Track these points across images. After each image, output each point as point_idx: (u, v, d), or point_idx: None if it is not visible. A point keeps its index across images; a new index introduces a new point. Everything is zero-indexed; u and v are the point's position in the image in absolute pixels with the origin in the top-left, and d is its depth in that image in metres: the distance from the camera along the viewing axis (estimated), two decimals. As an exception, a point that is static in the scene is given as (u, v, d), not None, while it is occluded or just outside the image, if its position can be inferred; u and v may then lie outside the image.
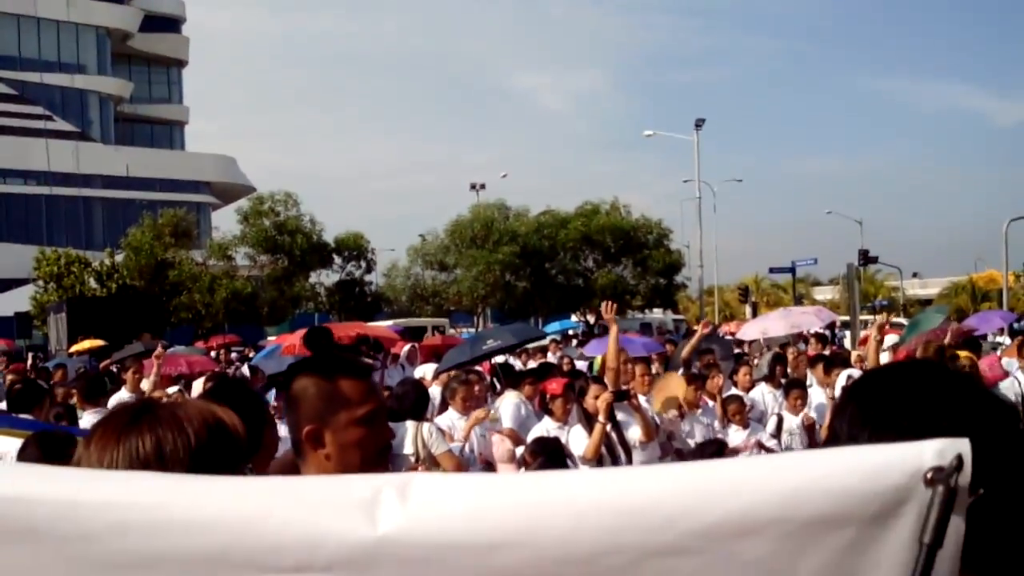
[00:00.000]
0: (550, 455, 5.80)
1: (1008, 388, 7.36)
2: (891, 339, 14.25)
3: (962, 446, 0.81)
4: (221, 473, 1.23)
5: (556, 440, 6.11)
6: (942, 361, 6.59)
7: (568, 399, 6.77)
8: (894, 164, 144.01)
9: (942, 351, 6.83)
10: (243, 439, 1.41)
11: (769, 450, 7.69)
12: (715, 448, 6.36)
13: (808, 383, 9.77)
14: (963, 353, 7.14)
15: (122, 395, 8.75)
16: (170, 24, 61.09)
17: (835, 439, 1.21)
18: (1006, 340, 16.55)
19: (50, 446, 3.11)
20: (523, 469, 6.10)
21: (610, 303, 8.13)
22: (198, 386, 8.64)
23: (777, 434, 8.04)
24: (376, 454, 2.09)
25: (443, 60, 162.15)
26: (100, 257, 34.85)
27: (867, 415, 1.17)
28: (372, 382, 2.20)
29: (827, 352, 11.49)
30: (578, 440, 6.24)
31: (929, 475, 0.80)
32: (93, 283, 32.67)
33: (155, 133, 61.36)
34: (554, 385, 6.92)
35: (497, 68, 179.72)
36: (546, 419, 6.90)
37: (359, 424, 2.06)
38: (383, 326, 23.72)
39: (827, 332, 22.85)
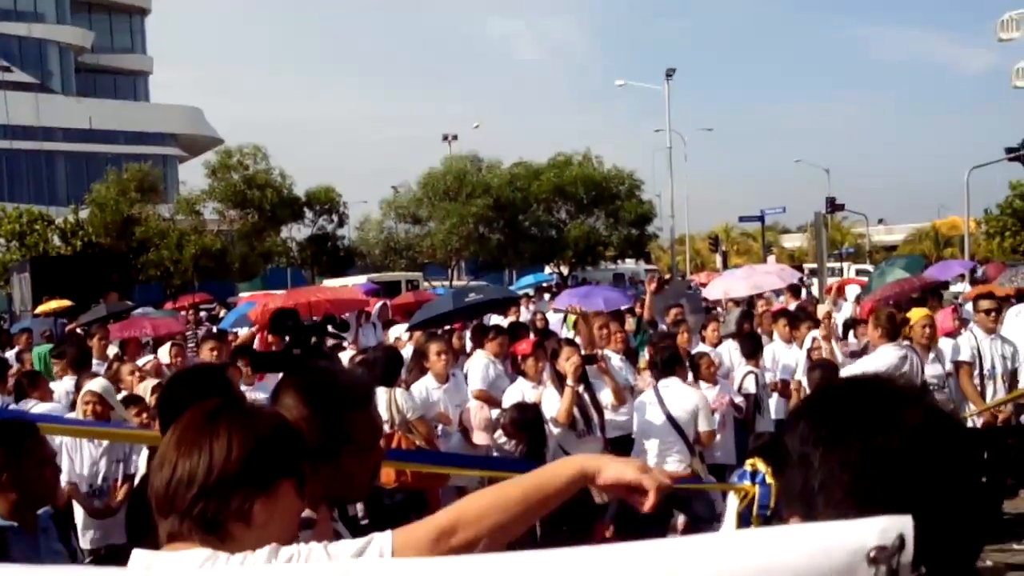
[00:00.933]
0: (532, 432, 5.87)
1: (964, 341, 7.46)
2: (853, 289, 14.44)
3: (904, 525, 0.82)
4: (283, 464, 1.55)
5: (535, 409, 6.15)
6: (896, 330, 6.70)
7: (539, 358, 6.82)
8: (861, 113, 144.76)
9: (892, 318, 6.94)
10: (305, 444, 1.63)
11: (739, 408, 7.80)
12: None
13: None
14: (920, 311, 7.24)
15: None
16: (130, -30, 59.30)
17: (787, 455, 1.19)
18: (966, 287, 16.83)
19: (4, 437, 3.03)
20: (501, 435, 6.15)
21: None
22: (164, 352, 8.58)
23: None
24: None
25: (417, 7, 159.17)
26: (64, 214, 34.16)
27: (819, 435, 1.15)
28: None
29: (792, 307, 11.61)
30: (551, 403, 6.29)
31: (872, 554, 0.81)
32: (57, 241, 32.04)
33: (118, 84, 59.84)
34: (524, 346, 6.96)
35: (471, 15, 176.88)
36: (520, 380, 6.96)
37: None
38: (349, 285, 23.63)
39: (798, 283, 23.11)
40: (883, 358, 6.67)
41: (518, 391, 6.77)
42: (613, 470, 1.54)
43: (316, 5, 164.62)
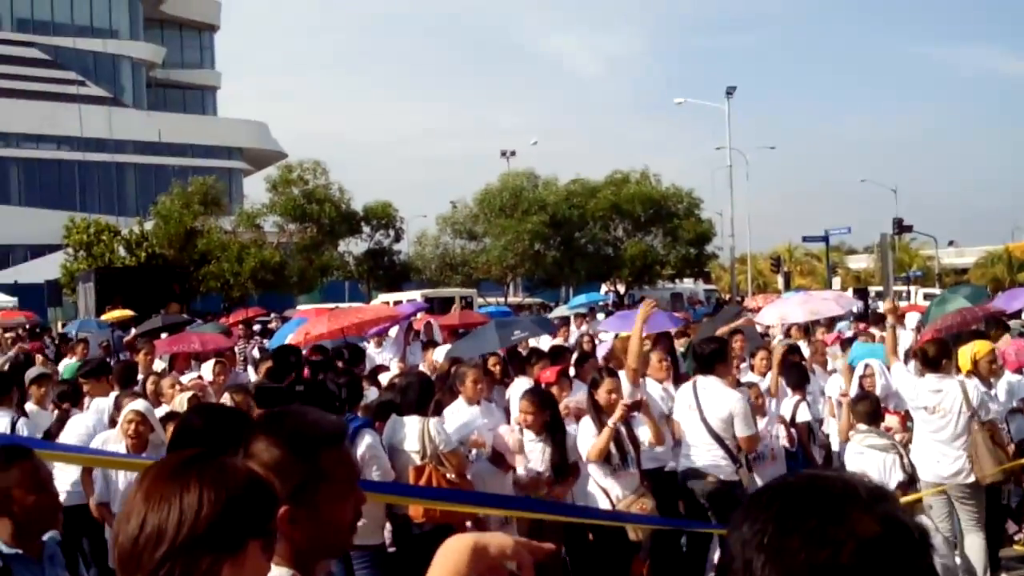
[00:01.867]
0: (552, 411, 5.78)
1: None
2: (914, 316, 13.88)
3: None
4: (253, 524, 1.48)
5: (551, 398, 6.01)
6: (939, 361, 6.32)
7: (563, 387, 6.66)
8: (929, 130, 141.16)
9: (940, 347, 6.61)
10: (277, 500, 1.60)
11: (790, 439, 7.53)
12: None
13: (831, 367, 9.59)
14: (984, 344, 6.86)
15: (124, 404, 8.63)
16: (202, -12, 61.01)
17: (730, 557, 1.06)
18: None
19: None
20: (530, 460, 6.01)
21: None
22: (207, 369, 8.59)
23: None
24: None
25: (475, 22, 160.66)
26: (131, 225, 35.11)
27: (761, 540, 1.02)
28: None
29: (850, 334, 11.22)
30: (586, 436, 6.08)
31: None
32: (122, 251, 32.92)
33: (187, 98, 61.55)
34: (548, 374, 6.81)
35: (530, 29, 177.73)
36: None
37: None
38: (404, 300, 23.72)
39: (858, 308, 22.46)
40: (922, 386, 6.39)
41: None
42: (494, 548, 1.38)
43: (376, 22, 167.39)
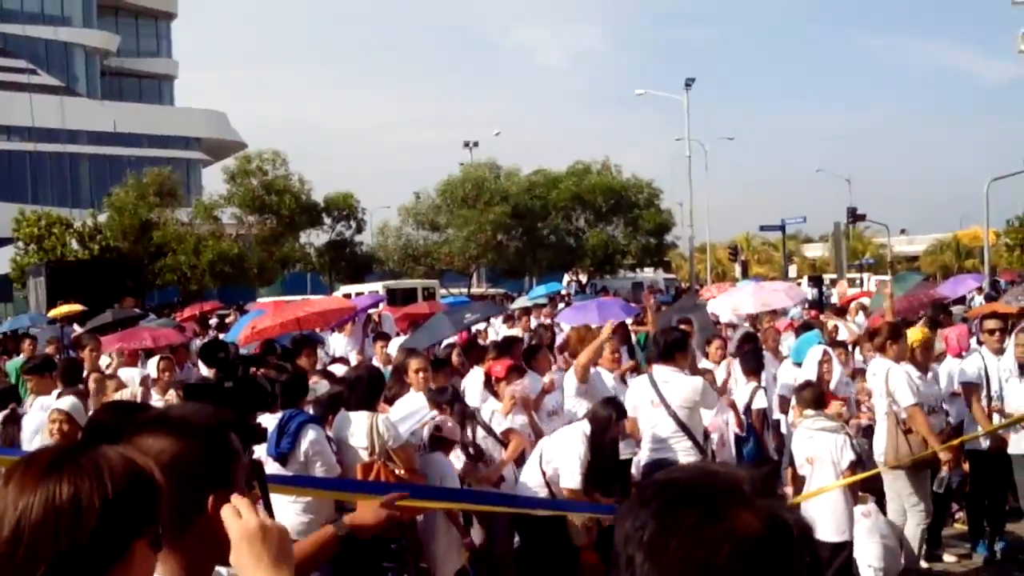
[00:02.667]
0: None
1: (971, 363, 7.22)
2: (864, 302, 14.11)
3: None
4: (137, 524, 1.36)
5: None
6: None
7: (511, 382, 6.65)
8: (883, 122, 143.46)
9: (892, 328, 6.75)
10: (161, 490, 1.45)
11: (740, 425, 7.61)
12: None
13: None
14: (917, 331, 7.00)
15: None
16: (157, -25, 59.89)
17: (616, 552, 1.05)
18: (982, 301, 16.43)
19: None
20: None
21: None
22: (152, 364, 8.46)
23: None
24: None
25: (439, 13, 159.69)
26: (85, 217, 34.40)
27: (641, 537, 1.01)
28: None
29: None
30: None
31: None
32: (75, 245, 32.22)
33: (143, 88, 60.44)
34: (498, 368, 6.80)
35: (494, 22, 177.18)
36: (491, 400, 6.77)
37: None
38: (365, 292, 23.58)
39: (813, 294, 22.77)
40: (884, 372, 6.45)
41: (488, 411, 6.59)
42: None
43: (339, 12, 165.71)
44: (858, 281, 35.47)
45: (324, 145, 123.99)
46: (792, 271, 43.12)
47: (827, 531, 5.53)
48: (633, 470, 6.46)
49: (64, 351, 13.00)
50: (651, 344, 10.26)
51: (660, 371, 6.36)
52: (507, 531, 6.22)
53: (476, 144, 49.95)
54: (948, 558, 7.02)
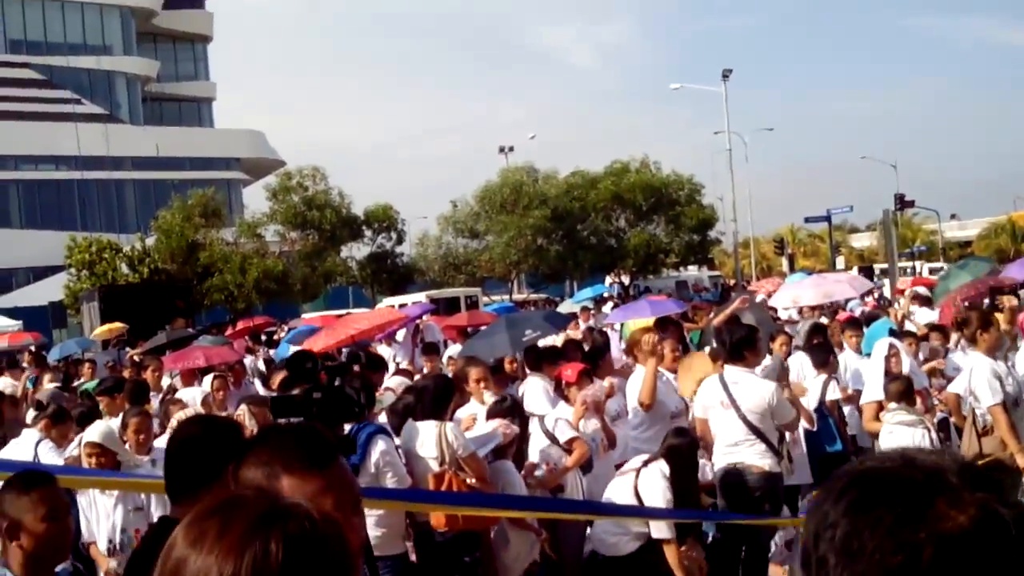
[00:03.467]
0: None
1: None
2: (919, 291, 13.69)
3: None
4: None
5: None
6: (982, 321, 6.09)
7: (584, 386, 6.49)
8: (927, 103, 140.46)
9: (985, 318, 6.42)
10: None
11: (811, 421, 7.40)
12: None
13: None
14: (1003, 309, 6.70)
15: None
16: (193, 0, 60.88)
17: (807, 551, 0.96)
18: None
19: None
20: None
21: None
22: (207, 383, 8.48)
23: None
24: None
25: (466, 20, 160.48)
26: (133, 241, 35.05)
27: (834, 536, 0.91)
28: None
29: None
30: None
31: None
32: (125, 268, 32.84)
33: (183, 111, 61.44)
34: (569, 372, 6.65)
35: (521, 26, 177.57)
36: (562, 404, 6.62)
37: None
38: (408, 303, 23.61)
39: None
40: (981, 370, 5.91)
41: (550, 421, 6.41)
42: None
43: (368, 23, 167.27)
44: (910, 269, 34.74)
45: (359, 159, 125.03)
46: (840, 262, 42.40)
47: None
48: (710, 475, 6.24)
49: (120, 372, 13.18)
50: (710, 340, 10.08)
51: (731, 372, 6.12)
52: (578, 542, 6.08)
53: (512, 149, 50.02)
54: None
